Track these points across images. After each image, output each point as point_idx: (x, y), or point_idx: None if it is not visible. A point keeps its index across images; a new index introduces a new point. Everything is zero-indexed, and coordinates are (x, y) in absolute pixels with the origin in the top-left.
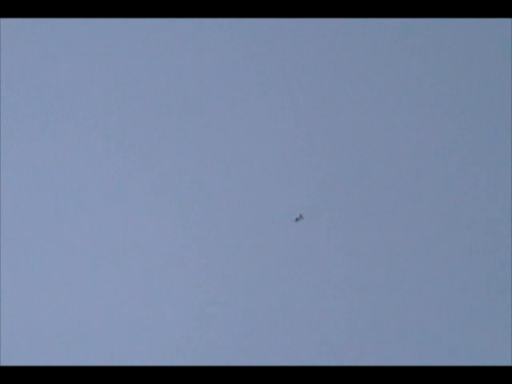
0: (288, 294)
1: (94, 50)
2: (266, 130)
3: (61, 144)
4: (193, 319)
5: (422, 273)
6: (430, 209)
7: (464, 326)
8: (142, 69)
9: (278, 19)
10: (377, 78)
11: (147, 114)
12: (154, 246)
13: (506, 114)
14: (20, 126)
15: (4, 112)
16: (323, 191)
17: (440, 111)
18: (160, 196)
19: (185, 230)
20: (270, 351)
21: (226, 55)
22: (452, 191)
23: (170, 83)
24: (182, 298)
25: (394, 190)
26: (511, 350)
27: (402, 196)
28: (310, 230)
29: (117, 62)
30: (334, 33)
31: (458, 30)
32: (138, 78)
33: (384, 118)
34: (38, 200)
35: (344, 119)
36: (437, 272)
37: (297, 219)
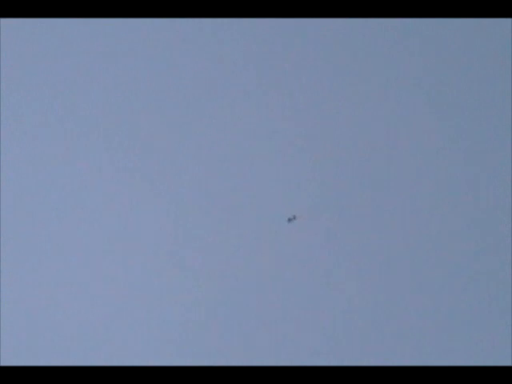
0: (288, 293)
1: (94, 50)
2: (264, 130)
3: (61, 144)
4: (193, 319)
5: (422, 273)
6: (430, 209)
7: (464, 325)
8: (142, 69)
9: (278, 19)
10: (377, 77)
11: (147, 114)
12: (154, 246)
13: (506, 114)
14: (20, 126)
15: (4, 112)
16: (317, 192)
17: (440, 111)
18: (157, 195)
19: (184, 230)
20: (270, 351)
21: (226, 55)
22: (452, 191)
23: (170, 83)
24: (182, 298)
25: (394, 190)
26: (511, 350)
27: (402, 196)
28: (304, 230)
29: (117, 62)
30: (334, 33)
31: (458, 30)
32: (138, 77)
33: (384, 118)
34: (38, 200)
35: (344, 119)
36: (436, 272)
37: (289, 220)
